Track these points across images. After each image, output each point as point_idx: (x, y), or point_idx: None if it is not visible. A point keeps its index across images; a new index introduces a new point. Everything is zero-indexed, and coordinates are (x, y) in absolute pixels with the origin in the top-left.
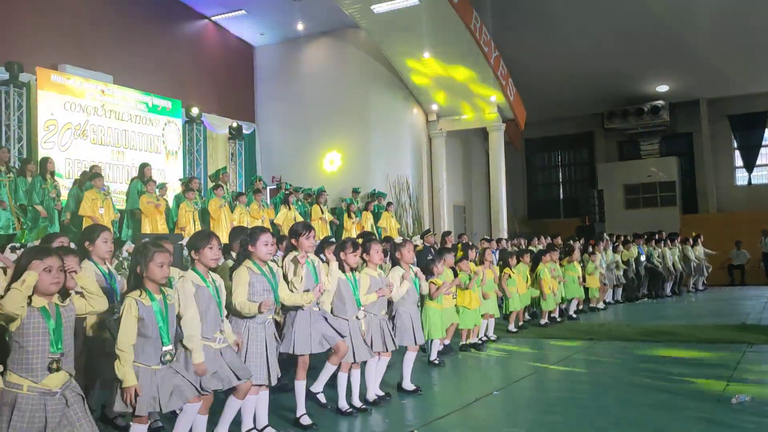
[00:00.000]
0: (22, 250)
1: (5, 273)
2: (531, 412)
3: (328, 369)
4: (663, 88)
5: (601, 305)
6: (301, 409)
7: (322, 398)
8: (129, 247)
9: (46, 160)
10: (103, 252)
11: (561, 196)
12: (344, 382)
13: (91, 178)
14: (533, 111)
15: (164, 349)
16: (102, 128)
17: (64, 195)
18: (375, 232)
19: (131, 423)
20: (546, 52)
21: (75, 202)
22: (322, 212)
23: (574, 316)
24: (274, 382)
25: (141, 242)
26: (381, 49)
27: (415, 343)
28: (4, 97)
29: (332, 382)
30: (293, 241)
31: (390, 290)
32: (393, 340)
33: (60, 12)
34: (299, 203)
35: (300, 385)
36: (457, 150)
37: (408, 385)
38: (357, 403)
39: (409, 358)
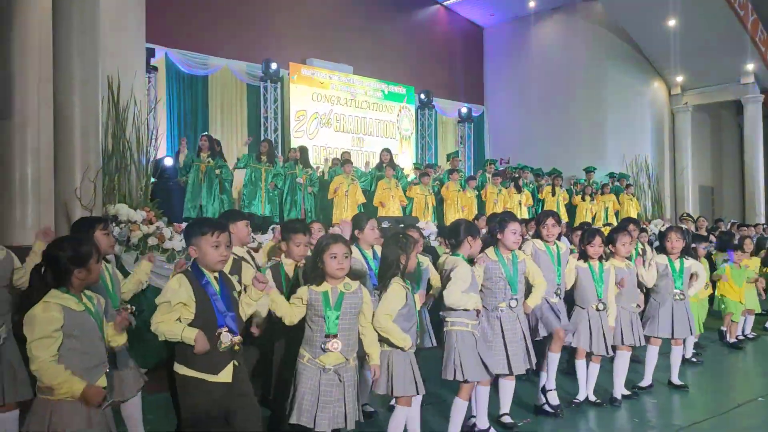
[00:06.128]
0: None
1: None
2: None
3: (552, 359)
4: None
5: None
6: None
7: (553, 398)
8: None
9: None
10: (371, 239)
11: None
12: (583, 371)
13: (342, 164)
14: None
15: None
16: (344, 116)
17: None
18: (612, 216)
19: (395, 405)
20: None
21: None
22: (554, 194)
23: None
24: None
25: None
26: (617, 19)
27: (673, 336)
28: (262, 92)
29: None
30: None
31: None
32: (641, 334)
33: (306, 9)
34: (530, 185)
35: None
36: (704, 125)
37: (676, 379)
38: (592, 397)
39: (677, 353)
